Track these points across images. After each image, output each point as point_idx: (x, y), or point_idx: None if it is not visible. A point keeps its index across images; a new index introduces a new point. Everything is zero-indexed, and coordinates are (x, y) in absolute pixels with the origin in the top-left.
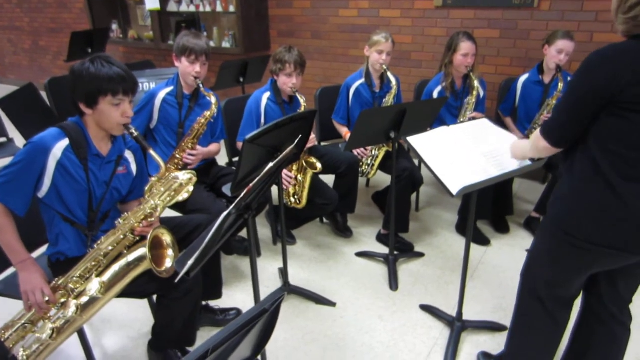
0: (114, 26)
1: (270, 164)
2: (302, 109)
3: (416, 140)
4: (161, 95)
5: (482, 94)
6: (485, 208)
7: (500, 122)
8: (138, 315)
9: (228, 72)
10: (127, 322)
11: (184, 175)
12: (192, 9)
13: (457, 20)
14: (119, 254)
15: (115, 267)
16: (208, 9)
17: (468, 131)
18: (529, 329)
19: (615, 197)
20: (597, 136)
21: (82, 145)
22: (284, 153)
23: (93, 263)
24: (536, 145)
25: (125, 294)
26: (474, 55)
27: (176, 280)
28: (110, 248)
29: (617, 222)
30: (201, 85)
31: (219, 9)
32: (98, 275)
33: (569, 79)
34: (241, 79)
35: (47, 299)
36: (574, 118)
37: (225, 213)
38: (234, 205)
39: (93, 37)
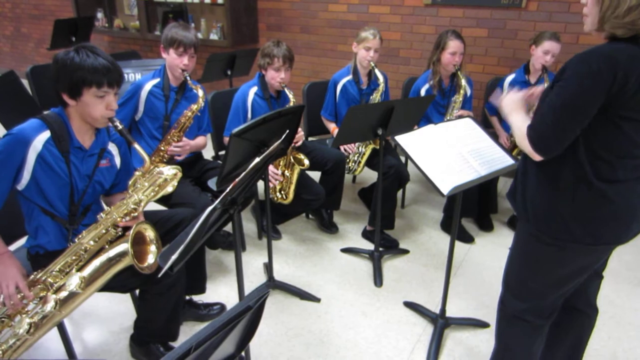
0: (99, 15)
1: (257, 159)
2: (292, 104)
3: (404, 140)
4: (147, 87)
5: (469, 92)
6: (470, 206)
7: (486, 121)
8: (120, 309)
9: (215, 65)
10: (109, 315)
11: (169, 171)
12: None
13: (446, 18)
14: (100, 249)
15: (96, 262)
16: None
17: (454, 130)
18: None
19: (606, 199)
20: (588, 143)
21: (64, 138)
22: (271, 148)
23: (73, 257)
24: (521, 143)
25: (107, 288)
26: (462, 54)
27: (159, 275)
28: (91, 242)
29: (610, 222)
30: (188, 78)
31: (207, 0)
32: (78, 270)
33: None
34: (229, 72)
35: (22, 294)
36: (573, 125)
37: (210, 208)
38: (219, 200)
39: (77, 25)
